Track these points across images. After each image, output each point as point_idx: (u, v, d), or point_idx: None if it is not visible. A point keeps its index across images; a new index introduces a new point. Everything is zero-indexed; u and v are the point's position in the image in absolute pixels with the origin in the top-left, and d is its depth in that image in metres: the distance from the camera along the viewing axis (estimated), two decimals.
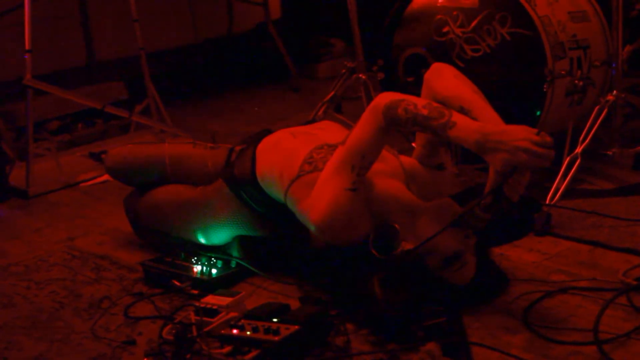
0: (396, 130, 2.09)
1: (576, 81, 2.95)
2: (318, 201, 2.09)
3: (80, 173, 3.52)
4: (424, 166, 2.33)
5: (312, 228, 2.14)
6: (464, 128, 1.97)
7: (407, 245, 2.06)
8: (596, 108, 2.88)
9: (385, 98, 2.07)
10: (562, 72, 2.93)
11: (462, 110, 2.04)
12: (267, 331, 1.91)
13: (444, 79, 2.15)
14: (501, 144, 1.92)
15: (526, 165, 1.92)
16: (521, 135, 1.91)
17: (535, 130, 1.93)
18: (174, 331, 1.99)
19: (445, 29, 3.13)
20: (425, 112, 2.01)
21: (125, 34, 4.09)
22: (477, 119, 2.01)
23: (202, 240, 2.53)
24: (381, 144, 2.11)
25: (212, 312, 2.06)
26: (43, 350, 2.09)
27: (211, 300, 2.11)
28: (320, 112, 3.62)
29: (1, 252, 2.78)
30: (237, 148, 2.54)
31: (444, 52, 3.11)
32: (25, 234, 2.94)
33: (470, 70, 2.99)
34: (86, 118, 4.16)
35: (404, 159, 2.34)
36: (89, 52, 4.64)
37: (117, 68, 4.55)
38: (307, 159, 2.21)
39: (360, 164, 2.07)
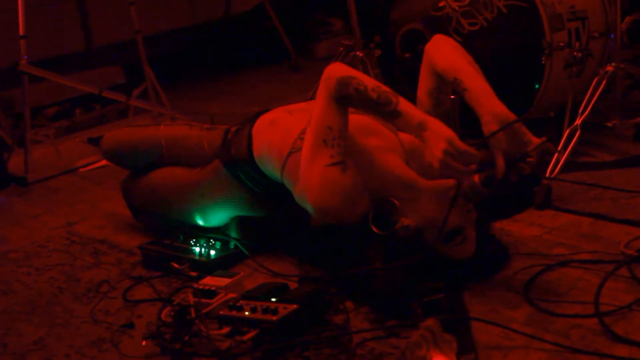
0: (347, 106, 2.08)
1: (575, 53, 2.93)
2: (310, 185, 2.07)
3: (78, 158, 3.52)
4: (422, 140, 2.31)
5: (311, 211, 2.12)
6: (406, 122, 2.02)
7: (407, 221, 2.05)
8: (595, 79, 2.86)
9: (336, 72, 2.08)
10: (561, 44, 2.90)
11: (456, 81, 2.08)
12: (266, 311, 1.90)
13: (442, 51, 2.19)
14: (429, 147, 1.98)
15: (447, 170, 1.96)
16: (441, 145, 1.95)
17: (453, 139, 1.95)
18: (172, 313, 1.98)
19: (442, 4, 3.10)
20: (374, 95, 2.02)
21: (121, 18, 4.07)
22: (467, 89, 2.05)
23: (200, 222, 2.52)
24: (342, 112, 2.09)
25: (211, 294, 2.06)
26: (43, 335, 2.09)
27: (210, 281, 2.11)
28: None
29: (1, 238, 2.78)
30: (233, 128, 2.52)
31: (441, 27, 3.08)
32: (24, 220, 2.94)
33: (468, 44, 2.92)
34: (84, 103, 4.15)
35: (403, 135, 2.31)
36: (86, 37, 4.62)
37: (114, 52, 4.53)
38: (300, 136, 2.19)
39: (331, 135, 2.06)
